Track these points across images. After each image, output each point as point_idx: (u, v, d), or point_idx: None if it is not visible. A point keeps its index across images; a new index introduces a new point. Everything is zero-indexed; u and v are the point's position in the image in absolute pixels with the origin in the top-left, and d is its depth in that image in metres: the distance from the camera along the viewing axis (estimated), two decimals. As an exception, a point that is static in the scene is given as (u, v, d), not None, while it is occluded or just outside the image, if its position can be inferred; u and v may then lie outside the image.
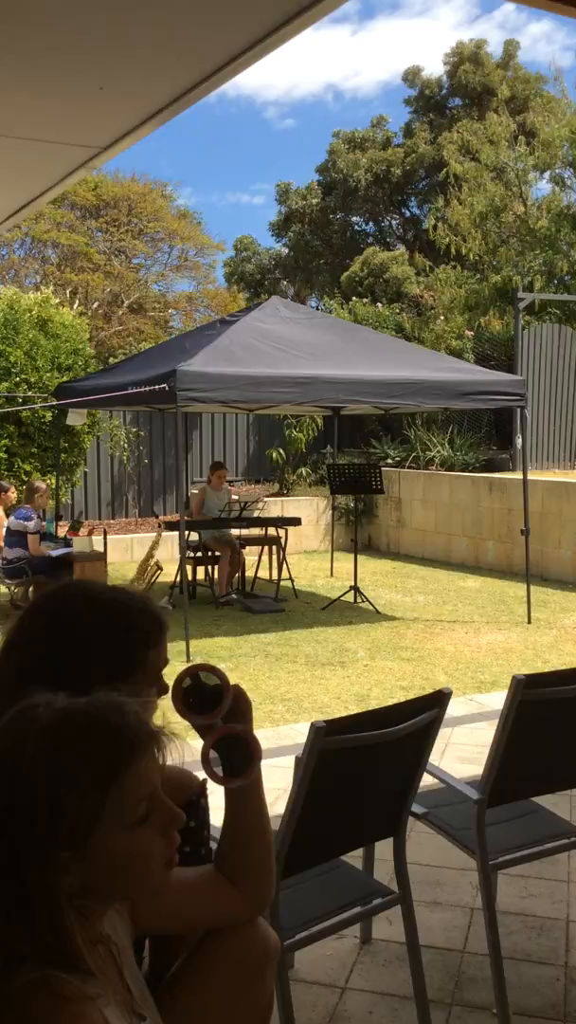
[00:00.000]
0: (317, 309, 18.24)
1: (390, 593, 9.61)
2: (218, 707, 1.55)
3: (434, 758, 2.67)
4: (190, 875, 1.61)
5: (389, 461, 13.14)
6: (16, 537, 8.20)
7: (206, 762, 1.52)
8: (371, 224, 25.69)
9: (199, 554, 9.17)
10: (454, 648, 7.26)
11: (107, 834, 1.12)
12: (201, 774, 1.77)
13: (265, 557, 9.83)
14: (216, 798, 1.76)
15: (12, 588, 8.47)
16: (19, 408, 10.62)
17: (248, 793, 1.59)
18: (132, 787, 1.15)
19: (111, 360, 14.07)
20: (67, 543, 8.59)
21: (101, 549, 8.65)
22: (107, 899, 1.21)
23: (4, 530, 8.37)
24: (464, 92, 23.16)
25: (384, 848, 2.62)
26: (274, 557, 9.53)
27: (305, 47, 45.56)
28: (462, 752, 4.72)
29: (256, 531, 9.70)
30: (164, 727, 1.24)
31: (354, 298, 17.61)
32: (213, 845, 1.76)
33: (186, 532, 7.65)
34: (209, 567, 9.35)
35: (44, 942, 1.08)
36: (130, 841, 1.15)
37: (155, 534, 9.53)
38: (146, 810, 1.17)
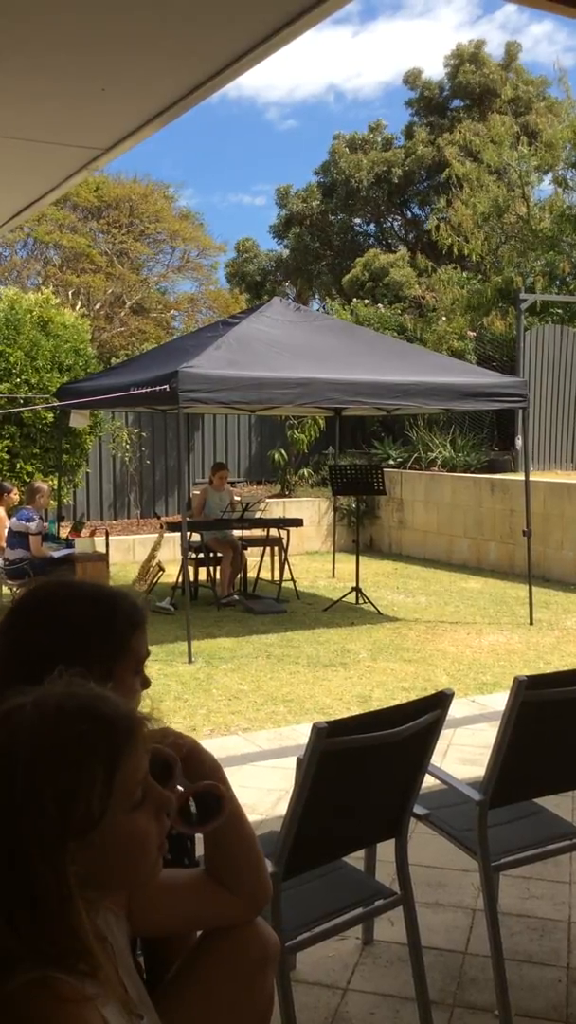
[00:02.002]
0: (320, 311, 18.22)
1: (392, 594, 9.61)
2: (215, 817, 1.50)
3: (436, 759, 2.67)
4: (184, 876, 1.61)
5: (391, 462, 13.15)
6: (18, 538, 8.21)
7: (179, 823, 1.45)
8: (372, 225, 25.67)
9: (201, 555, 9.18)
10: (456, 649, 7.26)
11: (110, 820, 1.14)
12: None
13: (267, 558, 9.83)
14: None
15: (14, 589, 8.47)
16: (21, 409, 10.62)
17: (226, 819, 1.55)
18: (131, 772, 1.17)
19: (113, 361, 14.08)
20: (69, 544, 8.60)
21: (103, 550, 8.66)
22: (104, 887, 1.22)
23: (6, 531, 8.38)
24: (465, 93, 23.14)
25: (386, 849, 2.62)
26: (276, 558, 9.54)
27: (306, 48, 45.54)
28: (464, 753, 4.72)
29: (258, 532, 9.70)
30: (150, 714, 1.27)
31: (355, 299, 17.60)
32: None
33: (188, 533, 7.64)
34: (211, 568, 9.36)
35: (53, 938, 1.09)
36: (129, 825, 1.18)
37: (157, 535, 9.53)
38: (141, 794, 1.20)
